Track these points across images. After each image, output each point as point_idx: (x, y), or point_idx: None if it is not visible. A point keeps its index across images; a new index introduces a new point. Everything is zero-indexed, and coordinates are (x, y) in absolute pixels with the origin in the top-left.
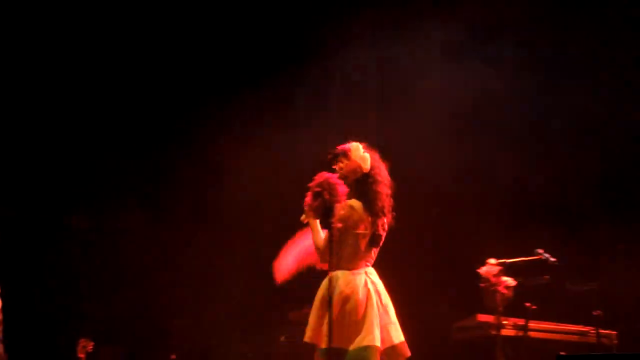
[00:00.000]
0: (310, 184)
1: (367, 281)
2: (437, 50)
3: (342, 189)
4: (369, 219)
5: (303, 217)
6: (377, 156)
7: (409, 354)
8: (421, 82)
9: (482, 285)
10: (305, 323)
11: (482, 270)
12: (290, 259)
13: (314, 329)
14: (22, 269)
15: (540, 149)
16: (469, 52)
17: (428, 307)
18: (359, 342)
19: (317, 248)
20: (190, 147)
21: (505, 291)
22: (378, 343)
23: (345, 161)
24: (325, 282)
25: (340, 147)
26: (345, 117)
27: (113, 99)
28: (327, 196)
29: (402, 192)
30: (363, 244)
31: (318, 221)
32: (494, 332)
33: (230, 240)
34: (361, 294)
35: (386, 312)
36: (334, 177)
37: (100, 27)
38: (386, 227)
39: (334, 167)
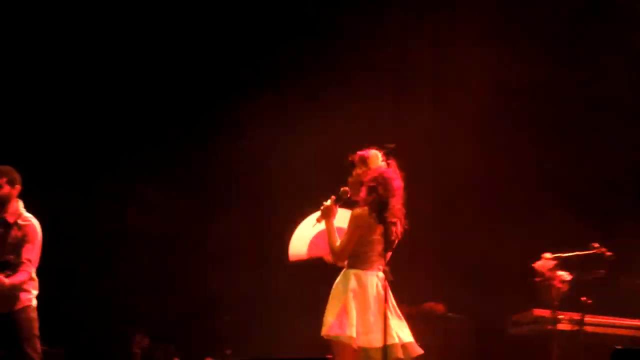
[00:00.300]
0: (365, 179)
1: (378, 283)
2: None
3: (397, 183)
4: (382, 225)
5: (319, 217)
6: (395, 165)
7: (419, 352)
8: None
9: (537, 279)
10: None
11: (538, 264)
12: (303, 244)
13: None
14: (76, 264)
15: (588, 142)
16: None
17: (483, 304)
18: (372, 342)
19: (332, 249)
20: (236, 140)
21: (560, 285)
22: (392, 341)
23: (364, 168)
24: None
25: (360, 153)
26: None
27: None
28: (381, 191)
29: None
30: (377, 248)
31: (334, 221)
32: (549, 327)
33: (279, 231)
34: (375, 293)
35: (396, 312)
36: (388, 172)
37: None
38: (399, 234)
39: (354, 172)
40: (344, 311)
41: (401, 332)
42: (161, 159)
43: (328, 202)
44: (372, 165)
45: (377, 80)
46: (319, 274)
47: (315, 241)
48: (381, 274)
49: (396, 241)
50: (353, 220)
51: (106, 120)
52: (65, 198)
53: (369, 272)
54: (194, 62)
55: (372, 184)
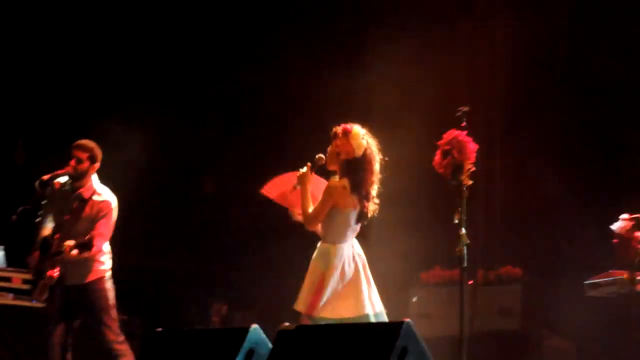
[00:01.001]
0: (440, 142)
1: (355, 254)
2: None
3: (472, 146)
4: (356, 198)
5: (296, 183)
6: (375, 145)
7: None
8: None
9: (615, 241)
10: (435, 283)
11: (615, 226)
12: (278, 188)
13: (307, 298)
14: (156, 233)
15: None
16: None
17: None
18: (353, 311)
19: (304, 213)
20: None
21: (638, 246)
22: (368, 311)
23: (344, 141)
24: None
25: (343, 126)
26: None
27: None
28: (456, 154)
29: None
30: (351, 219)
31: (310, 188)
32: (628, 288)
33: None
34: (351, 265)
35: (369, 282)
36: (462, 135)
37: None
38: (370, 210)
39: (334, 142)
40: (321, 290)
41: (376, 301)
42: (243, 126)
43: (304, 169)
44: (352, 140)
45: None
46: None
47: (288, 194)
48: (356, 244)
49: (369, 213)
50: (327, 189)
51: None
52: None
53: (345, 245)
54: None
55: (446, 147)
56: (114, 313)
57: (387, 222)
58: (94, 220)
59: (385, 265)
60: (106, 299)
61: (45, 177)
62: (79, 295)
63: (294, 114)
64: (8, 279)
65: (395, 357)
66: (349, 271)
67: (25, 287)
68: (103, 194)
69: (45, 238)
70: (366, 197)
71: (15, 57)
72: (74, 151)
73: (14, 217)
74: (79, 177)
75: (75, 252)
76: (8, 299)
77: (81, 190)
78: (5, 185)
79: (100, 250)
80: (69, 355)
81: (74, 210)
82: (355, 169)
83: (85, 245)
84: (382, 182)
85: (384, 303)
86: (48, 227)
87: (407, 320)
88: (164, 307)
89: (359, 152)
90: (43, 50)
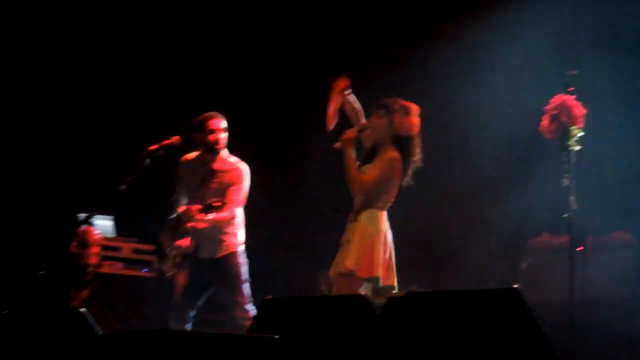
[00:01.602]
0: (547, 107)
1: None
2: None
3: (579, 110)
4: (404, 173)
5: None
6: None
7: None
8: None
9: None
10: (544, 250)
11: None
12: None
13: (361, 259)
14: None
15: None
16: None
17: None
18: (389, 280)
19: (355, 177)
20: None
21: None
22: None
23: (403, 117)
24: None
25: (402, 102)
26: None
27: None
28: (564, 118)
29: None
30: (395, 191)
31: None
32: None
33: (476, 165)
34: (389, 233)
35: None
36: (571, 100)
37: None
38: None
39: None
40: (373, 252)
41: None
42: None
43: (350, 133)
44: (411, 118)
45: None
46: None
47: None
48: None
49: None
50: (391, 161)
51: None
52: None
53: (385, 213)
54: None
55: (554, 111)
56: (246, 288)
57: (495, 186)
58: (226, 188)
59: (493, 232)
60: (239, 274)
61: (153, 147)
62: (210, 269)
63: None
64: (117, 249)
65: (505, 324)
66: (390, 238)
67: (135, 256)
68: (234, 162)
69: (179, 214)
70: (409, 173)
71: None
72: (216, 123)
73: (123, 187)
74: (211, 148)
75: (202, 215)
76: (118, 269)
77: (212, 161)
78: (114, 156)
79: (233, 217)
80: (188, 327)
81: (205, 181)
82: (411, 146)
83: (212, 207)
84: (493, 146)
85: (494, 270)
86: (183, 205)
87: (516, 286)
88: (271, 276)
89: (413, 132)
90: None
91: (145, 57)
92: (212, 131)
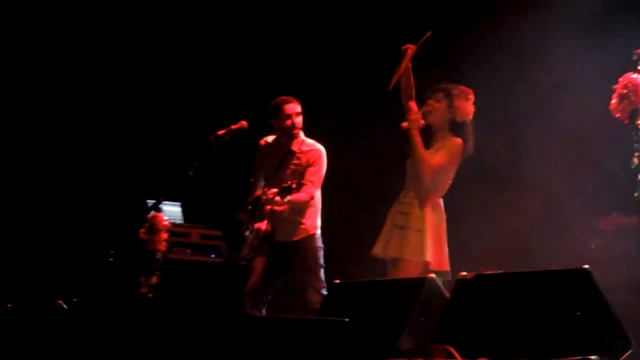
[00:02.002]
0: (615, 86)
1: None
2: None
3: None
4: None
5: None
6: None
7: None
8: None
9: None
10: (613, 230)
11: None
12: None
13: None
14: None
15: None
16: None
17: None
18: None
19: (426, 159)
20: None
21: None
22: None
23: (463, 102)
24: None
25: (462, 88)
26: None
27: None
28: (632, 97)
29: None
30: (452, 178)
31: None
32: None
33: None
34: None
35: None
36: (639, 79)
37: None
38: None
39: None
40: (443, 243)
41: None
42: None
43: (417, 113)
44: (470, 104)
45: None
46: None
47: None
48: None
49: None
50: (456, 147)
51: None
52: None
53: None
54: None
55: (623, 90)
56: (321, 273)
57: (566, 166)
58: (304, 170)
59: (562, 212)
60: (315, 258)
61: (220, 132)
62: (286, 253)
63: None
64: (186, 235)
65: (575, 305)
66: None
67: (203, 242)
68: (312, 144)
69: (257, 197)
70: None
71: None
72: (292, 107)
73: (191, 172)
74: (288, 132)
75: (279, 197)
76: (186, 255)
77: (289, 144)
78: (182, 141)
79: (310, 197)
80: (263, 311)
81: (283, 163)
82: (467, 132)
83: (289, 189)
84: (562, 127)
85: (563, 250)
86: (260, 188)
87: (586, 266)
88: (338, 261)
89: (470, 117)
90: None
91: (213, 41)
92: (289, 115)
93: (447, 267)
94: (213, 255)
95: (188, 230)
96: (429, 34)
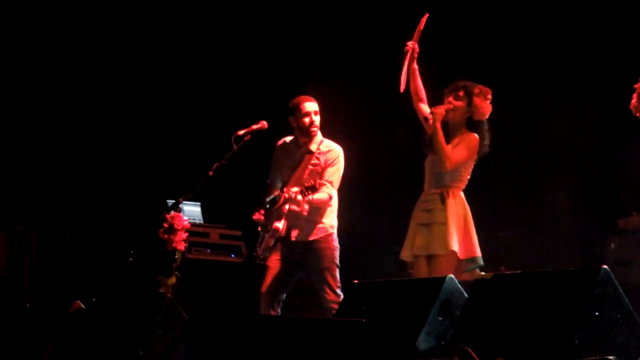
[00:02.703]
0: (636, 85)
1: None
2: None
3: None
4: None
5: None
6: None
7: None
8: None
9: None
10: (633, 229)
11: None
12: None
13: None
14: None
15: None
16: None
17: None
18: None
19: (443, 151)
20: None
21: None
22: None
23: (483, 102)
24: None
25: (482, 87)
26: None
27: None
28: None
29: None
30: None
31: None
32: None
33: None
34: None
35: None
36: None
37: None
38: None
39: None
40: (469, 232)
41: None
42: None
43: (441, 108)
44: (488, 104)
45: None
46: None
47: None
48: None
49: None
50: (475, 141)
51: None
52: None
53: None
54: None
55: None
56: (337, 273)
57: (583, 166)
58: (322, 170)
59: (581, 212)
60: (331, 257)
61: (241, 132)
62: (303, 252)
63: None
64: (205, 234)
65: (593, 304)
66: None
67: (223, 242)
68: (330, 144)
69: (274, 197)
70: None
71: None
72: (310, 104)
73: (211, 172)
74: (306, 131)
75: (300, 197)
76: (206, 254)
77: (308, 143)
78: (202, 142)
79: (330, 198)
80: (279, 311)
81: (301, 163)
82: (483, 130)
83: (310, 188)
84: (580, 126)
85: (581, 250)
86: (277, 188)
87: (604, 267)
88: (358, 261)
89: (487, 116)
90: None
91: (235, 41)
92: (307, 114)
93: (476, 252)
94: (233, 255)
95: (208, 230)
96: (424, 18)
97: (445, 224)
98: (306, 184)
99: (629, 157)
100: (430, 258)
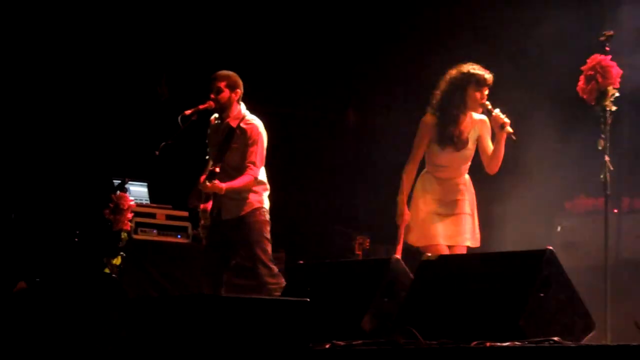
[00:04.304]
0: (583, 67)
1: None
2: None
3: (616, 71)
4: None
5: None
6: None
7: None
8: None
9: None
10: (580, 212)
11: None
12: None
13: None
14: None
15: None
16: None
17: None
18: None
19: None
20: None
21: None
22: None
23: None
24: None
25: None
26: None
27: None
28: (600, 79)
29: None
30: None
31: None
32: None
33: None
34: None
35: None
36: (606, 60)
37: None
38: None
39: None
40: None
41: None
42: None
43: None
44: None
45: None
46: None
47: None
48: None
49: None
50: (488, 125)
51: None
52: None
53: None
54: None
55: (590, 72)
56: (268, 247)
57: (532, 151)
58: (243, 149)
59: (529, 195)
60: (260, 231)
61: (188, 111)
62: (233, 229)
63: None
64: (152, 215)
65: (538, 286)
66: None
67: (169, 222)
68: (250, 120)
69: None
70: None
71: None
72: (212, 83)
73: (157, 152)
74: (223, 108)
75: (208, 183)
76: (152, 235)
77: (228, 119)
78: (149, 121)
79: (253, 180)
80: (222, 291)
81: (224, 141)
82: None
83: (214, 174)
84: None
85: (531, 233)
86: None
87: (549, 248)
88: (307, 241)
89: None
90: None
91: (181, 22)
92: (220, 90)
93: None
94: (179, 236)
95: (154, 210)
96: None
97: (472, 215)
98: (210, 170)
99: (576, 140)
100: (450, 247)
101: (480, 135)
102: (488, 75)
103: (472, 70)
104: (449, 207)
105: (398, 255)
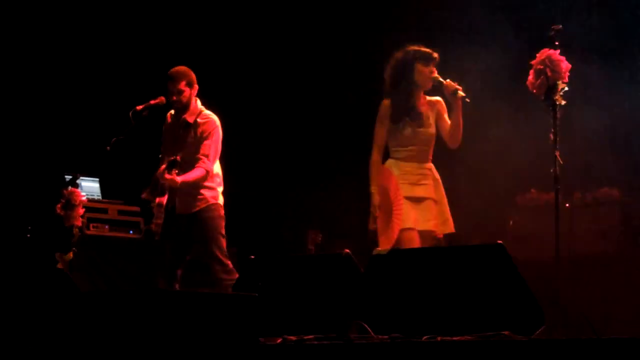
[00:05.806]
0: (533, 62)
1: None
2: None
3: (565, 65)
4: None
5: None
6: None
7: None
8: None
9: None
10: (531, 206)
11: None
12: None
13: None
14: (251, 162)
15: None
16: None
17: None
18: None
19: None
20: None
21: None
22: None
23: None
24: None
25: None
26: None
27: None
28: (549, 73)
29: None
30: None
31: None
32: None
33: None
34: None
35: None
36: (555, 54)
37: None
38: None
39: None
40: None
41: None
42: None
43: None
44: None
45: None
46: None
47: None
48: None
49: None
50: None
51: None
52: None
53: None
54: None
55: (539, 66)
56: (223, 243)
57: (481, 144)
58: (198, 142)
59: (481, 189)
60: (215, 227)
61: (139, 107)
62: (188, 225)
63: None
64: (104, 210)
65: (489, 280)
66: None
67: (121, 218)
68: (207, 115)
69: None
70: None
71: None
72: (171, 83)
73: (108, 147)
74: (185, 107)
75: (167, 175)
76: (104, 230)
77: (185, 115)
78: (100, 116)
79: (206, 174)
80: (176, 286)
81: (181, 136)
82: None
83: (174, 163)
84: (477, 107)
85: (482, 227)
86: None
87: (500, 242)
88: (259, 236)
89: None
90: None
91: (135, 17)
92: (181, 91)
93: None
94: (131, 232)
95: (106, 206)
96: None
97: (440, 202)
98: (170, 159)
99: (527, 134)
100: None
101: (438, 113)
102: (434, 53)
103: (417, 48)
104: (415, 191)
105: (348, 250)
